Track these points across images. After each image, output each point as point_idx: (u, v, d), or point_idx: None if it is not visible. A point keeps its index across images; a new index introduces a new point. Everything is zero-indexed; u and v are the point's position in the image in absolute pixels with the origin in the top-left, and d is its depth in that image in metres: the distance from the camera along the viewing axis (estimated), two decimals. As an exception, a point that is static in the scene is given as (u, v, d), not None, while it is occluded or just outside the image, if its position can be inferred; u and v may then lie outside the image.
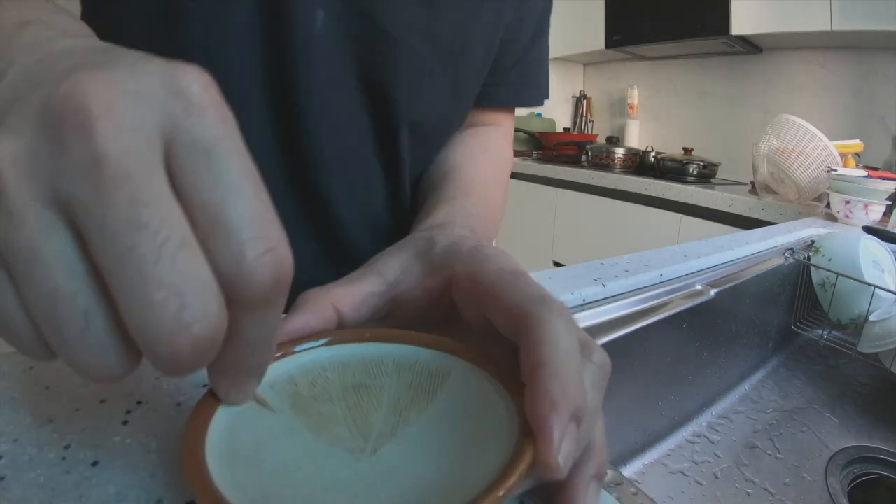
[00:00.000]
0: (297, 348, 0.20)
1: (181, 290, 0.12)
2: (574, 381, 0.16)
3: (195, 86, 0.13)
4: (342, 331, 0.22)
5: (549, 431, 0.15)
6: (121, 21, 0.32)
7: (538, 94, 0.50)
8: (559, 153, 2.20)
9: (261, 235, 0.13)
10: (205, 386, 0.23)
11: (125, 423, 0.20)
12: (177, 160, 0.13)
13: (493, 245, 0.33)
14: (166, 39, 0.32)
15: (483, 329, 0.21)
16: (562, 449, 0.15)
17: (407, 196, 0.43)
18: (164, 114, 0.12)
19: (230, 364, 0.15)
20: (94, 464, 0.18)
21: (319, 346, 0.21)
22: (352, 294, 0.23)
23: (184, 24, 0.31)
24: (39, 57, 0.15)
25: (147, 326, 0.12)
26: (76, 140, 0.11)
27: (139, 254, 0.11)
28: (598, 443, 0.19)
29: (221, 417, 0.16)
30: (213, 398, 0.17)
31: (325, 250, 0.41)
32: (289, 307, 0.21)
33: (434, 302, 0.23)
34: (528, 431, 0.16)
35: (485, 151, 0.47)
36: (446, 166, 0.44)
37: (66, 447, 0.19)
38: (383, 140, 0.39)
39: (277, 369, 0.19)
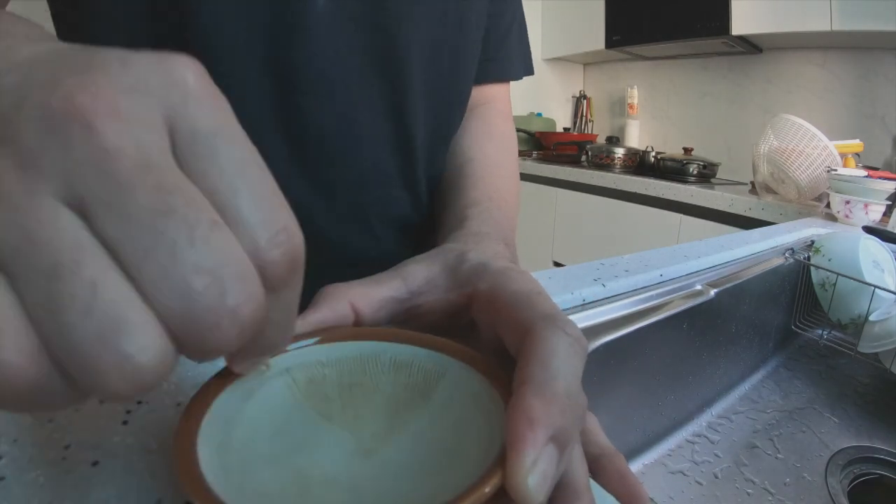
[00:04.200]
0: (291, 346, 0.20)
1: (221, 273, 0.11)
2: (559, 402, 0.15)
3: (189, 75, 0.13)
4: (341, 327, 0.22)
5: (522, 452, 0.14)
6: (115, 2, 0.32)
7: (526, 66, 0.52)
8: (559, 153, 2.20)
9: (271, 218, 0.13)
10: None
11: (125, 423, 0.20)
12: (180, 150, 0.12)
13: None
14: (167, 18, 0.31)
15: (498, 350, 0.21)
16: (535, 471, 0.14)
17: (421, 179, 0.43)
18: (164, 105, 0.12)
19: (251, 343, 0.14)
20: (94, 464, 0.18)
21: (313, 343, 0.21)
22: (371, 295, 0.22)
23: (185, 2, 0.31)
24: (3, 67, 0.13)
25: (189, 316, 0.11)
26: (85, 138, 0.11)
27: (171, 238, 0.11)
28: (582, 484, 0.17)
29: (217, 411, 0.16)
30: (207, 391, 0.17)
31: None
32: (307, 301, 0.21)
33: (453, 317, 0.23)
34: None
35: (491, 139, 0.47)
36: (459, 158, 0.44)
37: (66, 447, 0.19)
38: (396, 118, 0.39)
39: (276, 365, 0.19)
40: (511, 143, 0.50)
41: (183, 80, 0.13)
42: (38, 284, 0.11)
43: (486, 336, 0.21)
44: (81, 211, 0.11)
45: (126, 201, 0.11)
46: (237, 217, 0.12)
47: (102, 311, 0.11)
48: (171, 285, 0.11)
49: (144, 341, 0.11)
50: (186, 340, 0.12)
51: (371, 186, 0.40)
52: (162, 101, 0.12)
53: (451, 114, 0.45)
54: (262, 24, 0.32)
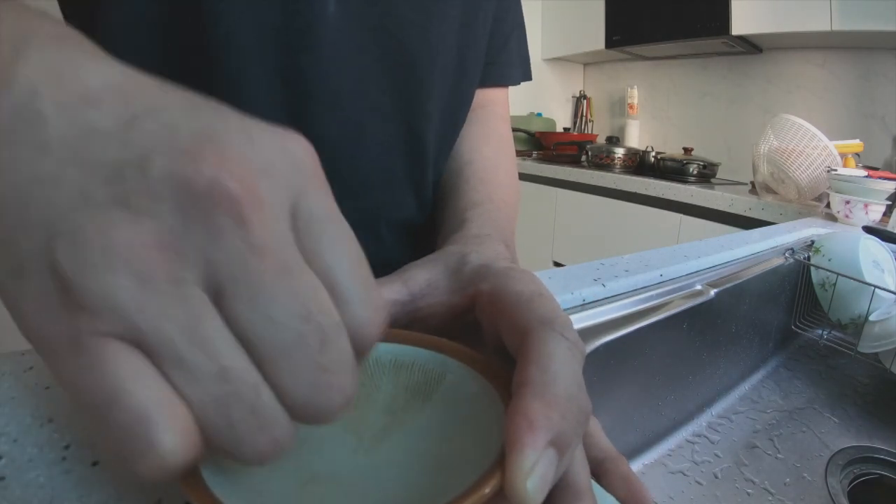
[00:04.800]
0: None
1: (340, 372, 0.13)
2: (559, 405, 0.15)
3: (308, 158, 0.14)
4: None
5: (522, 454, 0.14)
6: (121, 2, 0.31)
7: (524, 72, 0.53)
8: (559, 153, 2.20)
9: (369, 298, 0.14)
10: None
11: (125, 423, 0.20)
12: (299, 232, 0.13)
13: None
14: (184, 25, 0.31)
15: (501, 351, 0.21)
16: (534, 473, 0.14)
17: (429, 183, 0.43)
18: (289, 189, 0.13)
19: None
20: (94, 464, 0.18)
21: None
22: None
23: (197, 4, 0.31)
24: (85, 94, 0.12)
25: (313, 405, 0.13)
26: (234, 231, 0.12)
27: (307, 343, 0.12)
28: (583, 485, 0.17)
29: None
30: None
31: None
32: None
33: (455, 319, 0.23)
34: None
35: (488, 142, 0.47)
36: (457, 161, 0.45)
37: (66, 447, 0.19)
38: (407, 123, 0.39)
39: None
40: (508, 146, 0.50)
41: (303, 164, 0.14)
42: (205, 384, 0.12)
43: (490, 336, 0.21)
44: (215, 295, 0.12)
45: (269, 303, 0.12)
46: (346, 297, 0.14)
47: (265, 410, 0.12)
48: (301, 380, 0.13)
49: (289, 426, 0.13)
50: (304, 418, 0.13)
51: (380, 191, 0.40)
52: (288, 186, 0.13)
53: (458, 117, 0.45)
54: (274, 30, 0.32)
